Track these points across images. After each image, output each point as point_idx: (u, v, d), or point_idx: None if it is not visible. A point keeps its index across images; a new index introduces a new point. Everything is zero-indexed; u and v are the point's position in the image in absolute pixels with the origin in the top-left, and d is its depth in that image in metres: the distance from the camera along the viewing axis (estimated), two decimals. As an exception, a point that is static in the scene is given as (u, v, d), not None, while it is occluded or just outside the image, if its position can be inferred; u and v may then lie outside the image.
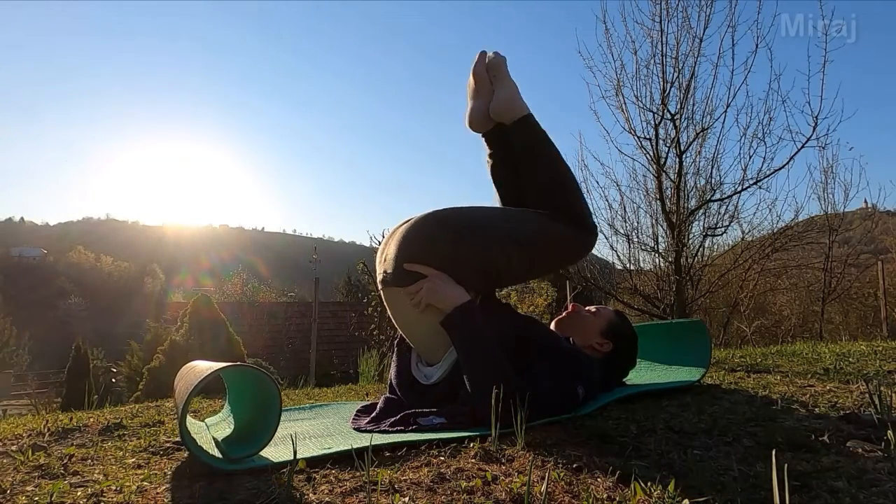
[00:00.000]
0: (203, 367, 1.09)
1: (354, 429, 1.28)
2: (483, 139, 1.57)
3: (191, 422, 1.21)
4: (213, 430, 1.26)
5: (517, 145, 1.48)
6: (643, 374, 1.71)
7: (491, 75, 1.52)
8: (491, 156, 1.56)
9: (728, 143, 5.86)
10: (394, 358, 1.46)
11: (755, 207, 4.77)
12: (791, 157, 3.99)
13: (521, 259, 1.36)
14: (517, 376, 1.20)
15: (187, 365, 1.24)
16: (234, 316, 9.15)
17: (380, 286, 1.42)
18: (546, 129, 1.49)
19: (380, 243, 1.53)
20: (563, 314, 1.60)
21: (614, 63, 4.49)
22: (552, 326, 1.57)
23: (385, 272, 1.37)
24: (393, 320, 1.43)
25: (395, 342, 1.49)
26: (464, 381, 1.22)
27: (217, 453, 0.99)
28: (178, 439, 1.22)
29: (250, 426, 1.15)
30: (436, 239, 1.31)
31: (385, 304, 1.44)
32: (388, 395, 1.42)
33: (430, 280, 1.27)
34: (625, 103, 4.49)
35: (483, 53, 1.54)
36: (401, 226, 1.41)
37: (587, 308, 1.61)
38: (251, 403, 1.21)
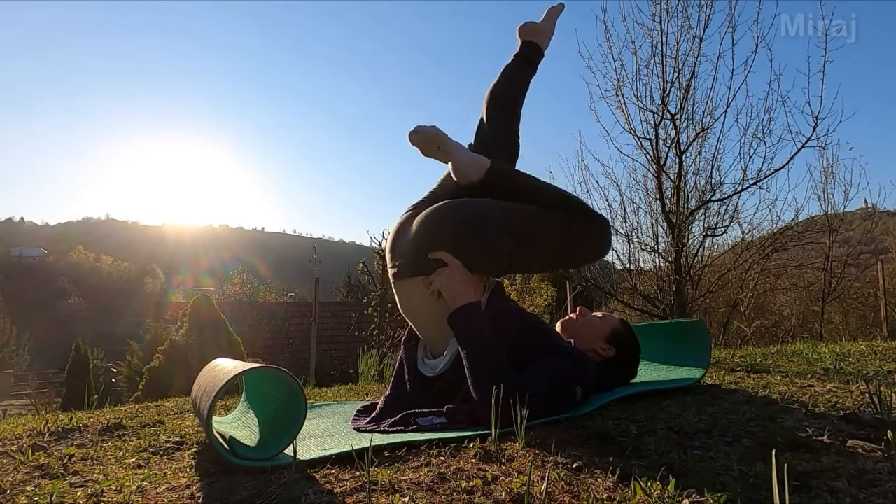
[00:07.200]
0: (231, 365, 1.09)
1: (354, 429, 1.28)
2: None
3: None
4: (217, 425, 1.26)
5: (498, 197, 1.41)
6: (643, 373, 1.71)
7: (431, 151, 1.44)
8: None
9: (728, 143, 5.86)
10: (400, 355, 1.47)
11: (755, 207, 4.78)
12: (791, 157, 4.00)
13: (527, 239, 1.36)
14: (516, 375, 1.21)
15: (212, 363, 1.24)
16: (234, 316, 9.14)
17: (392, 279, 1.43)
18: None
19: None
20: (570, 316, 1.61)
21: (614, 63, 4.50)
22: (557, 327, 1.58)
23: (399, 264, 1.38)
24: (402, 312, 1.46)
25: (403, 340, 1.51)
26: (466, 374, 1.24)
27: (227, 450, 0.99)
28: (178, 439, 1.22)
29: (265, 431, 1.15)
30: (451, 225, 1.35)
31: (395, 296, 1.46)
32: (388, 394, 1.43)
33: (449, 269, 1.32)
34: (625, 103, 4.49)
35: (414, 133, 1.43)
36: (407, 217, 1.43)
37: (593, 313, 1.63)
38: (268, 408, 1.21)
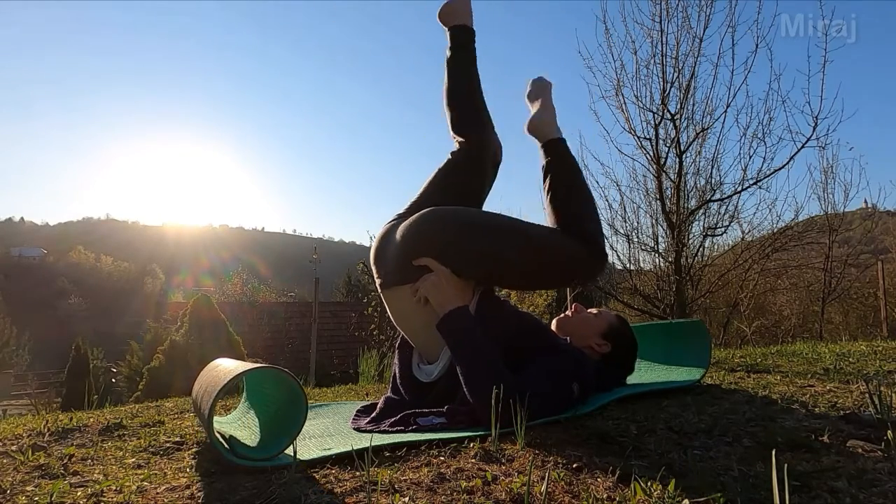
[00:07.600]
0: (232, 365, 1.09)
1: (354, 429, 1.28)
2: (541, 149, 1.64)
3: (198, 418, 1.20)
4: (217, 425, 1.26)
5: (546, 166, 1.55)
6: (643, 374, 1.71)
7: (534, 96, 1.65)
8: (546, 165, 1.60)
9: (728, 143, 5.88)
10: (395, 360, 1.47)
11: (755, 207, 4.80)
12: (791, 157, 4.01)
13: (524, 257, 1.37)
14: (513, 375, 1.20)
15: (212, 363, 1.24)
16: (234, 316, 9.14)
17: (379, 289, 1.42)
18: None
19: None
20: (566, 314, 1.61)
21: (614, 63, 4.51)
22: (553, 326, 1.58)
23: (385, 273, 1.38)
24: (393, 320, 1.44)
25: (397, 344, 1.50)
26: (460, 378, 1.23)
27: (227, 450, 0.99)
28: (178, 439, 1.22)
29: (265, 431, 1.15)
30: (438, 232, 1.34)
31: (385, 304, 1.45)
32: (388, 395, 1.43)
33: (434, 275, 1.31)
34: (625, 103, 4.50)
35: (537, 78, 1.68)
36: (390, 226, 1.42)
37: (589, 310, 1.62)
38: (269, 408, 1.20)
